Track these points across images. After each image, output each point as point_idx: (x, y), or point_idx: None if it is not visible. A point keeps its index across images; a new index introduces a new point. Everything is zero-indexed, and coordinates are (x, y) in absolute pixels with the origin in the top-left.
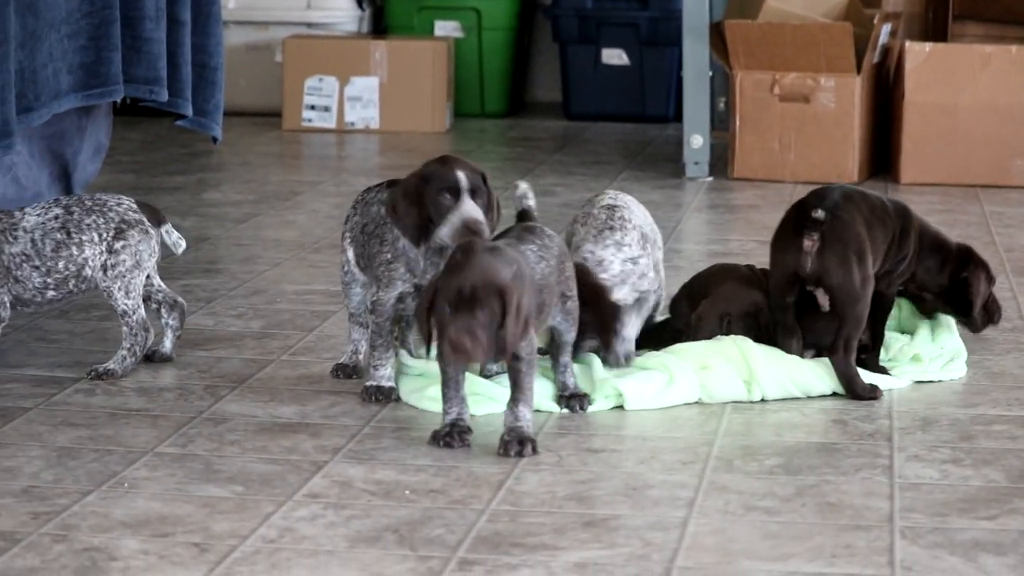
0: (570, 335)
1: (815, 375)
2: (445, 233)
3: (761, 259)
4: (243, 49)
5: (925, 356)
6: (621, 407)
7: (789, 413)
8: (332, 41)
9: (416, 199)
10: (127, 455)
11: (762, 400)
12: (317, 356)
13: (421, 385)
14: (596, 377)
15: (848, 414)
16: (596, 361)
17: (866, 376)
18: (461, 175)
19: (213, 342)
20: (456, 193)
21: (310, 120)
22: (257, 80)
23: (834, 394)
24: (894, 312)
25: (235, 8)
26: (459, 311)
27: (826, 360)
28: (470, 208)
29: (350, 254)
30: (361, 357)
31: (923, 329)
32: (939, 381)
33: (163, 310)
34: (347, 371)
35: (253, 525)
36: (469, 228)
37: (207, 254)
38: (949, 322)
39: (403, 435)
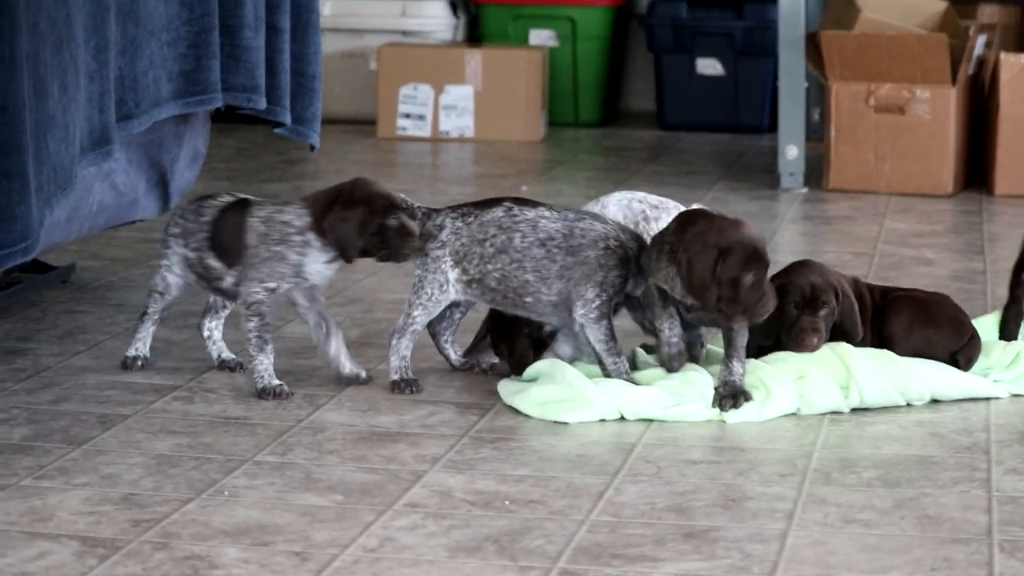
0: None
1: (918, 377)
2: None
3: (855, 271)
4: (338, 57)
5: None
6: (721, 420)
7: (887, 426)
8: (427, 49)
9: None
10: (226, 463)
11: (860, 408)
12: (415, 365)
13: (521, 387)
14: (694, 374)
15: (945, 427)
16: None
17: (965, 376)
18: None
19: (311, 351)
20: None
21: (405, 128)
22: (352, 88)
23: (933, 402)
24: (993, 322)
25: (330, 15)
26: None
27: (930, 363)
28: None
29: (452, 275)
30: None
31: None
32: None
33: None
34: (412, 385)
35: (353, 534)
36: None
37: None
38: None
39: (502, 445)
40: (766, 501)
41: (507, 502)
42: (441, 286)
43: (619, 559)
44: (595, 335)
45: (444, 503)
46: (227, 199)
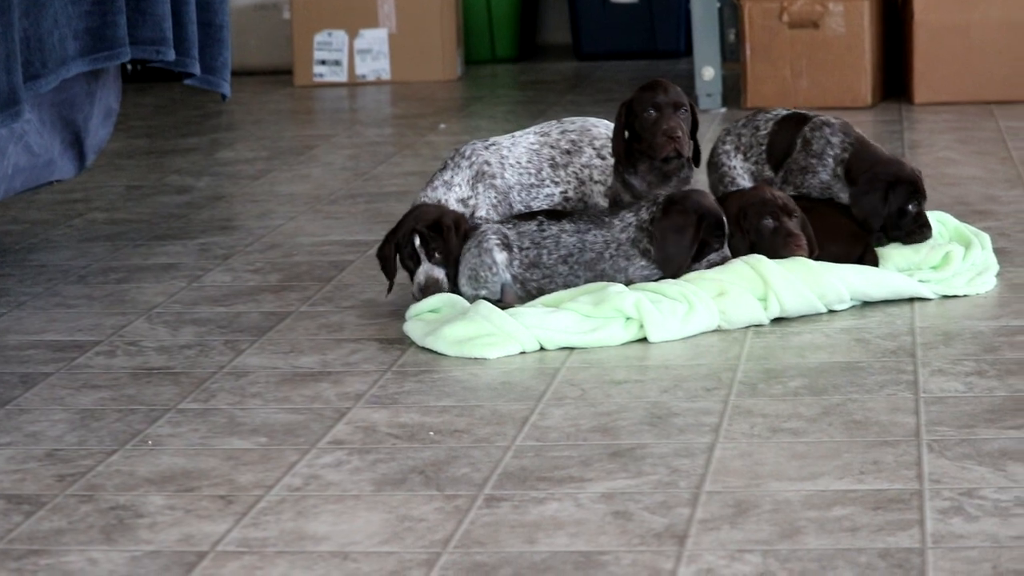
0: None
1: (835, 280)
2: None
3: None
4: (251, 9)
5: (954, 261)
6: (644, 340)
7: (811, 335)
8: None
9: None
10: (150, 413)
11: (781, 318)
12: (336, 306)
13: (431, 327)
14: (611, 290)
15: (870, 332)
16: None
17: (887, 275)
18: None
19: (231, 297)
20: None
21: (321, 75)
22: (267, 39)
23: (857, 308)
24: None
25: None
26: None
27: (849, 266)
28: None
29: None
30: None
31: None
32: (964, 296)
33: None
34: None
35: (278, 475)
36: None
37: (223, 212)
38: (984, 239)
39: (425, 378)
40: (692, 416)
41: (432, 433)
42: (491, 267)
43: (545, 481)
44: None
45: (368, 438)
46: (781, 112)
